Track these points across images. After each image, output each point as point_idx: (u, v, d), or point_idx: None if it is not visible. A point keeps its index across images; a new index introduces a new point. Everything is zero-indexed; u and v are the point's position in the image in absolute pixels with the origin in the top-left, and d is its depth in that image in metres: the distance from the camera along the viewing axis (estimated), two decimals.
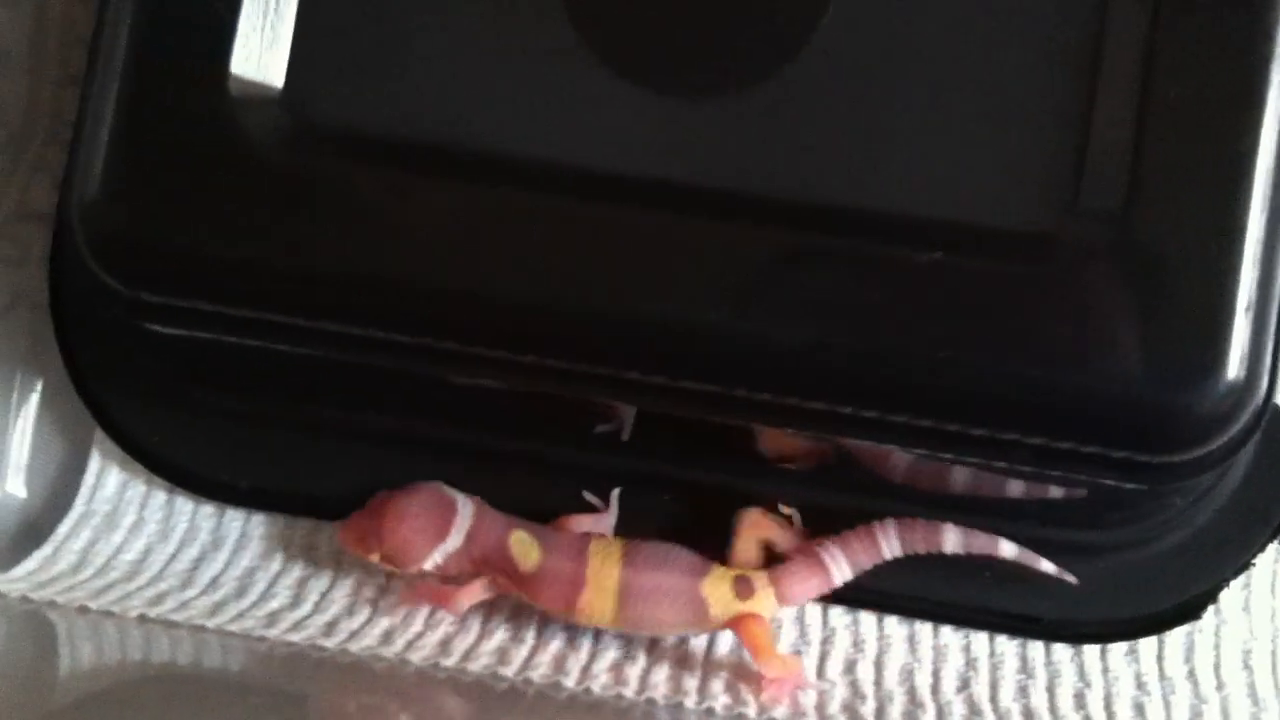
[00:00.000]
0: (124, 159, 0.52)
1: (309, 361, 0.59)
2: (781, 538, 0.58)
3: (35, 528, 0.63)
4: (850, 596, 0.59)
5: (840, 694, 0.57)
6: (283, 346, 0.55)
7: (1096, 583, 0.58)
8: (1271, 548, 0.58)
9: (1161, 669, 0.58)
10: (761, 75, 0.51)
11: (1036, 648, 0.59)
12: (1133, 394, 0.49)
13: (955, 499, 0.58)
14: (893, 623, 0.60)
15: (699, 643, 0.59)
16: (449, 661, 0.56)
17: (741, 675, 0.57)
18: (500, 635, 0.58)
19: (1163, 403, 0.49)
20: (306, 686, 0.57)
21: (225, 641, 0.57)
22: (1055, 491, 0.57)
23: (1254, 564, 0.58)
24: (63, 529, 0.62)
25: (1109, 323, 0.49)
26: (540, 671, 0.56)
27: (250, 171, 0.52)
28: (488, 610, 0.59)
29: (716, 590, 0.56)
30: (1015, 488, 0.57)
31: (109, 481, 0.63)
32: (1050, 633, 0.59)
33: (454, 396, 0.59)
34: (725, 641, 0.59)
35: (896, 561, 0.58)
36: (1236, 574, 0.58)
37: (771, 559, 0.58)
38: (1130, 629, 0.58)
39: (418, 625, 0.59)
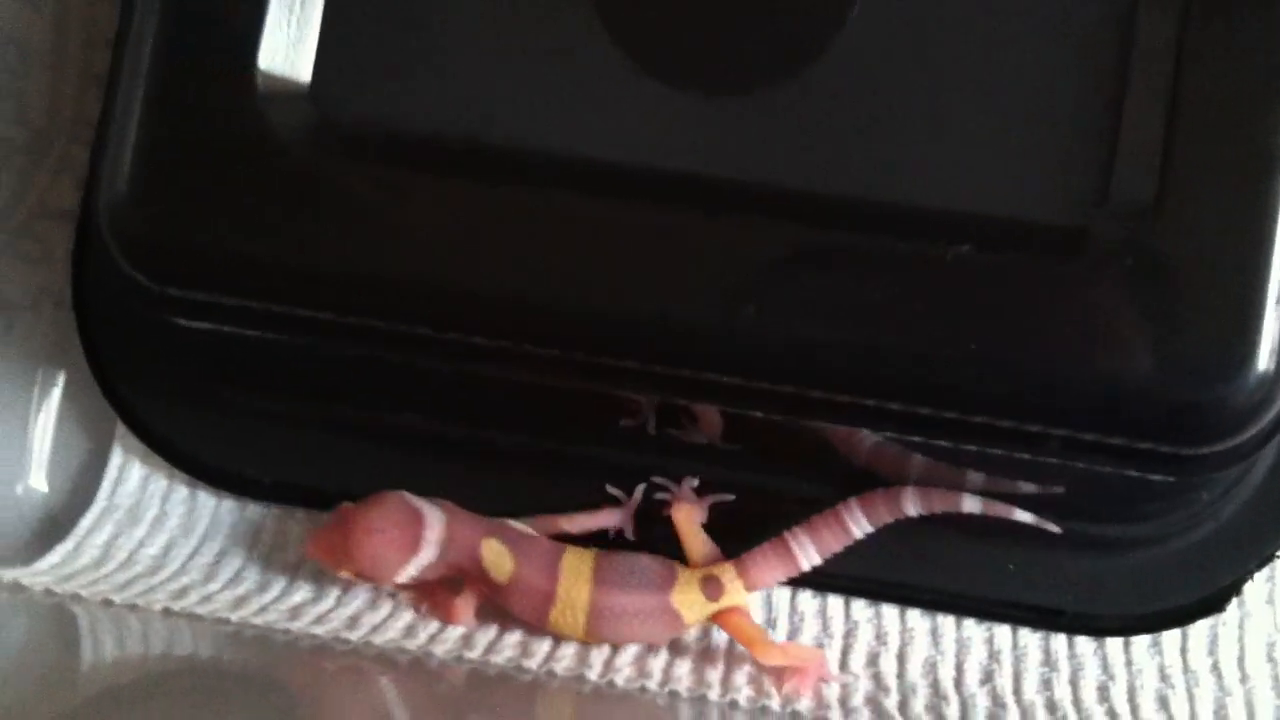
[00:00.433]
0: (152, 154, 0.53)
1: (333, 357, 0.59)
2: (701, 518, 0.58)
3: (58, 522, 0.63)
4: (874, 589, 0.60)
5: (864, 687, 0.57)
6: (309, 342, 0.55)
7: (1120, 575, 0.58)
8: None
9: (1185, 662, 0.58)
10: (792, 70, 0.51)
11: (1059, 640, 0.59)
12: (1163, 387, 0.49)
13: (976, 491, 0.58)
14: (915, 615, 0.60)
15: (722, 636, 0.59)
16: (473, 654, 0.56)
17: (765, 668, 0.57)
18: (522, 628, 0.59)
19: (1193, 395, 0.49)
20: (329, 680, 0.57)
21: (248, 635, 0.57)
22: (1080, 484, 0.57)
23: (1278, 556, 0.58)
24: (85, 523, 0.62)
25: (1140, 316, 0.49)
26: (564, 664, 0.56)
27: (277, 167, 0.52)
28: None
29: (686, 598, 0.56)
30: (1039, 480, 0.57)
31: (131, 476, 0.63)
32: (1073, 625, 0.59)
33: (476, 392, 0.60)
34: None
35: (919, 555, 0.58)
36: (1260, 566, 0.58)
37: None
38: (1154, 622, 0.58)
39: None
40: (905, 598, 0.60)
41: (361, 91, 0.53)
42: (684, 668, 0.57)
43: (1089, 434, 0.51)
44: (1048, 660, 0.59)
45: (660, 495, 0.59)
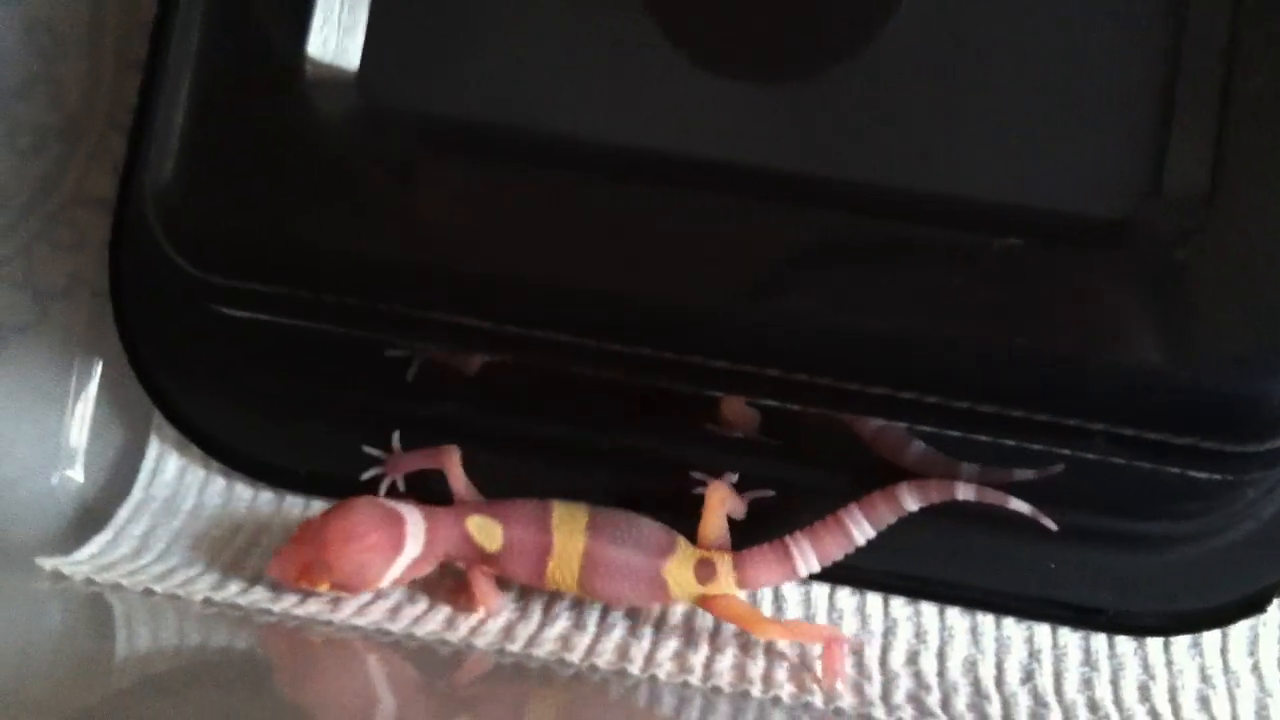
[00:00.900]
0: (200, 142, 0.52)
1: (373, 347, 0.59)
2: (739, 512, 0.58)
3: (94, 513, 0.63)
4: (913, 587, 0.59)
5: (905, 685, 0.57)
6: (352, 331, 0.55)
7: (1161, 575, 0.58)
8: None
9: (1226, 662, 0.58)
10: (842, 59, 0.51)
11: (1099, 640, 0.59)
12: (1214, 382, 0.49)
13: (1018, 488, 0.57)
14: (955, 614, 0.60)
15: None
16: (514, 647, 0.56)
17: (805, 664, 0.57)
18: (562, 623, 0.58)
19: (1245, 391, 0.49)
20: (367, 670, 0.57)
21: (290, 626, 0.57)
22: (1123, 482, 0.57)
23: None
24: (122, 514, 0.62)
25: (1192, 310, 0.49)
26: (605, 659, 0.56)
27: (326, 155, 0.52)
28: (534, 595, 0.59)
29: (678, 573, 0.56)
30: (1082, 477, 0.56)
31: (168, 467, 0.63)
32: (1113, 625, 0.59)
33: (517, 382, 0.59)
34: None
35: (958, 552, 0.58)
36: None
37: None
38: (1194, 621, 0.58)
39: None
40: (945, 595, 0.60)
41: (410, 79, 0.53)
42: (725, 663, 0.57)
43: (1140, 430, 0.51)
44: (1088, 660, 0.58)
45: (697, 490, 0.59)
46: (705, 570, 0.57)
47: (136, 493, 0.62)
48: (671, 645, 0.58)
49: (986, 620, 0.59)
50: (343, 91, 0.52)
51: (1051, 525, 0.56)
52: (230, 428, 0.62)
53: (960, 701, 0.56)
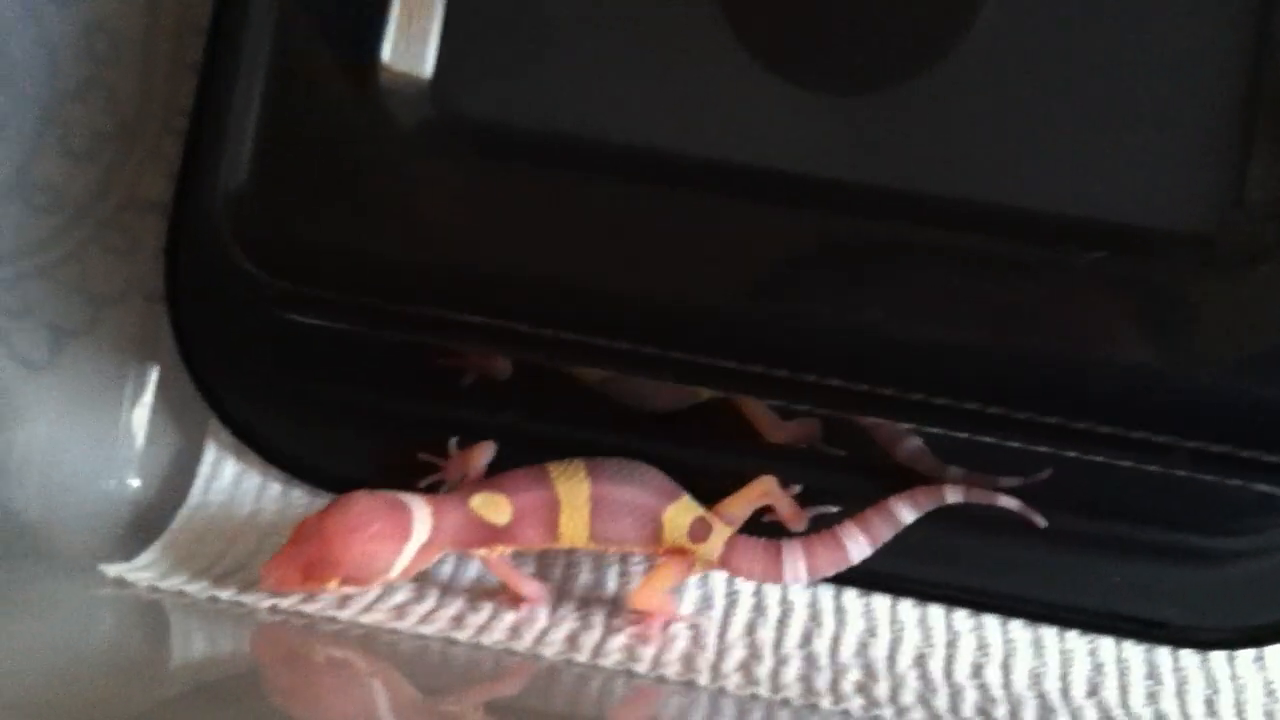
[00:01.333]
0: (271, 149, 0.52)
1: (434, 355, 0.59)
2: (781, 512, 0.58)
3: (150, 519, 0.62)
4: (976, 599, 0.59)
5: (970, 697, 0.57)
6: (419, 339, 0.54)
7: (1224, 588, 0.58)
8: None
9: None
10: (920, 72, 0.51)
11: (1163, 654, 0.59)
12: None
13: (1082, 504, 0.57)
14: (1017, 626, 0.59)
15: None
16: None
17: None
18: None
19: None
20: (432, 681, 0.56)
21: (353, 635, 0.56)
22: (1186, 496, 0.56)
23: None
24: (178, 521, 0.61)
25: (1267, 325, 0.49)
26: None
27: (399, 163, 0.52)
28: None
29: (676, 518, 0.56)
30: (1146, 492, 0.56)
31: (224, 473, 0.63)
32: (1177, 638, 0.59)
33: (581, 392, 0.59)
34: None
35: (1021, 565, 0.58)
36: None
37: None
38: (1258, 635, 0.58)
39: (542, 620, 0.58)
40: (1008, 608, 0.59)
41: (484, 87, 0.53)
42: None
43: (1215, 444, 0.50)
44: (1152, 673, 0.58)
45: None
46: (699, 529, 0.56)
47: (193, 499, 0.62)
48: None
49: (1049, 633, 0.59)
50: (416, 100, 0.52)
51: (1041, 522, 0.55)
52: (287, 433, 0.62)
53: (1029, 713, 0.56)
